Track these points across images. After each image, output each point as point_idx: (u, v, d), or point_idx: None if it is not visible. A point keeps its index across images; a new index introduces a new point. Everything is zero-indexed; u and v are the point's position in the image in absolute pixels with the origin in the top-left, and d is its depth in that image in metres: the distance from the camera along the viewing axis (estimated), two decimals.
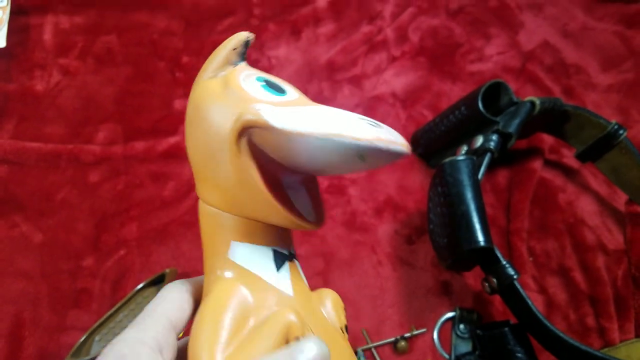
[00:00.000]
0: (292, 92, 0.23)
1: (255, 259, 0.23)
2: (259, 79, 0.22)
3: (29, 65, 0.59)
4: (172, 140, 0.54)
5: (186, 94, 0.57)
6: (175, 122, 0.56)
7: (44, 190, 0.52)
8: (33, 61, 0.59)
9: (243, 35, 0.23)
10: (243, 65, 0.23)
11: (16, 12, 0.61)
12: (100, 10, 0.63)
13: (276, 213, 0.21)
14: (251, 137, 0.20)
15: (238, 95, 0.21)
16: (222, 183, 0.22)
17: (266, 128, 0.19)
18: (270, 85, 0.22)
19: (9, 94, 0.57)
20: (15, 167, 0.53)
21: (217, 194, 0.22)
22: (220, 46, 0.23)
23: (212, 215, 0.23)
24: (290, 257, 0.24)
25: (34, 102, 0.57)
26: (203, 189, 0.23)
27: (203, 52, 0.60)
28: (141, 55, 0.60)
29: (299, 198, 0.24)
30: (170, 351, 0.21)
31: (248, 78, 0.22)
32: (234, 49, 0.23)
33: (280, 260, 0.23)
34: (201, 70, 0.23)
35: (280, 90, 0.22)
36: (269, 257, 0.23)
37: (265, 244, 0.23)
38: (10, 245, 0.50)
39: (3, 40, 0.58)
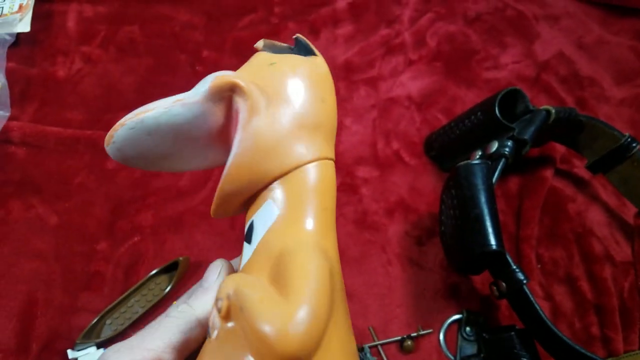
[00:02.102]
0: None
1: None
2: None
3: (52, 51, 0.60)
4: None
5: None
6: None
7: (61, 174, 0.53)
8: (56, 47, 0.60)
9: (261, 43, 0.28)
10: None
11: None
12: (123, 0, 0.64)
13: None
14: None
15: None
16: None
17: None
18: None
19: (31, 78, 0.58)
20: (34, 150, 0.54)
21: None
22: None
23: None
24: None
25: (56, 88, 0.58)
26: None
27: (223, 47, 0.61)
28: (162, 47, 0.61)
29: None
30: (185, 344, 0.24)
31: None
32: (268, 47, 0.27)
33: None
34: None
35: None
36: None
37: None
38: (25, 226, 0.50)
39: (27, 25, 0.59)
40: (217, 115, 0.24)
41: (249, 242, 0.24)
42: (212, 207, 0.25)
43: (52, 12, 0.62)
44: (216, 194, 0.25)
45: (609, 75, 0.62)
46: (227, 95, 0.23)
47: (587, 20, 0.66)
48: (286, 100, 0.24)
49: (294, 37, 0.28)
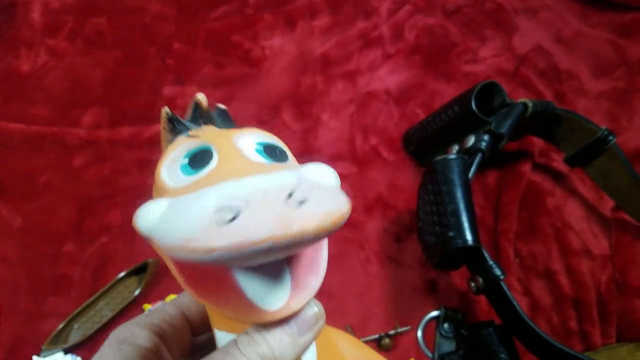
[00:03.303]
0: (213, 162, 0.19)
1: None
2: (186, 155, 0.19)
3: (16, 43, 0.58)
4: (159, 127, 0.53)
5: (176, 81, 0.57)
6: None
7: (26, 173, 0.51)
8: (20, 40, 0.58)
9: (163, 113, 0.21)
10: (178, 140, 0.20)
11: None
12: None
13: (210, 307, 0.18)
14: None
15: (158, 189, 0.19)
16: None
17: (141, 234, 0.17)
18: (192, 161, 0.19)
19: None
20: None
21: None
22: None
23: None
24: None
25: (20, 82, 0.55)
26: None
27: (195, 40, 0.59)
28: (132, 39, 0.59)
29: (262, 280, 0.19)
30: (175, 334, 0.22)
31: (175, 160, 0.19)
32: (164, 129, 0.21)
33: None
34: None
35: (203, 163, 0.18)
36: None
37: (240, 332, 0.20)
38: None
39: None
40: None
41: None
42: (300, 305, 0.19)
43: (15, 3, 0.60)
44: (312, 292, 0.19)
45: (587, 69, 0.62)
46: None
47: (565, 14, 0.66)
48: None
49: (220, 107, 0.23)
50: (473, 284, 0.40)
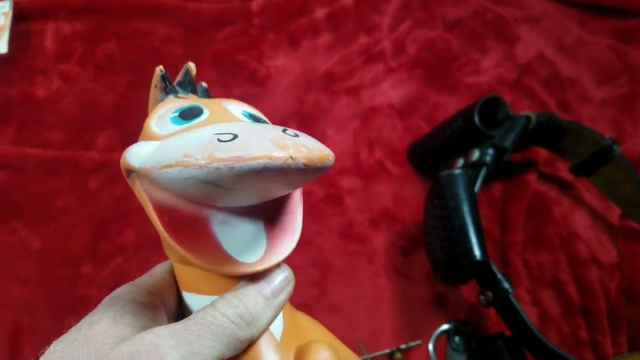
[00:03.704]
0: (206, 112, 0.20)
1: None
2: (176, 110, 0.21)
3: (31, 71, 0.59)
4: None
5: None
6: None
7: (43, 196, 0.52)
8: (34, 67, 0.60)
9: (157, 71, 0.22)
10: (168, 99, 0.22)
11: (18, 17, 0.61)
12: (101, 16, 0.63)
13: (186, 255, 0.19)
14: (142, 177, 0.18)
15: (146, 136, 0.20)
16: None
17: (132, 169, 0.18)
18: (183, 114, 0.20)
19: (10, 99, 0.57)
20: (15, 173, 0.53)
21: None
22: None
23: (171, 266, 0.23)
24: None
25: (35, 108, 0.57)
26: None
27: (203, 60, 0.61)
28: (141, 62, 0.61)
29: (238, 234, 0.20)
30: (172, 296, 0.23)
31: (165, 114, 0.21)
32: (155, 86, 0.22)
33: None
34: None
35: (193, 116, 0.20)
36: None
37: (210, 293, 0.21)
38: (8, 251, 0.50)
39: (5, 47, 0.58)
40: None
41: None
42: (272, 263, 0.20)
43: (29, 32, 0.62)
44: (286, 252, 0.21)
45: (590, 76, 0.62)
46: None
47: (566, 21, 0.67)
48: None
49: (204, 85, 0.27)
50: (482, 298, 0.41)
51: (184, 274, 0.22)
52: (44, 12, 0.62)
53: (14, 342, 0.45)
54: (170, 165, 0.16)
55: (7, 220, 0.51)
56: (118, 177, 0.53)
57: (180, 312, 0.23)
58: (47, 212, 0.52)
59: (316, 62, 0.61)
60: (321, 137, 0.56)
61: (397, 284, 0.48)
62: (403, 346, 0.44)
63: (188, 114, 0.20)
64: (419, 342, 0.45)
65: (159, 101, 0.22)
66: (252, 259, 0.20)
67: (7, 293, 0.48)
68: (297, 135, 0.17)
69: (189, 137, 0.17)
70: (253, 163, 0.15)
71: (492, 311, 0.46)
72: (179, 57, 0.61)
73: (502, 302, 0.39)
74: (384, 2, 0.66)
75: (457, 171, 0.42)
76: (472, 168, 0.45)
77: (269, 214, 0.21)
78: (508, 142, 0.45)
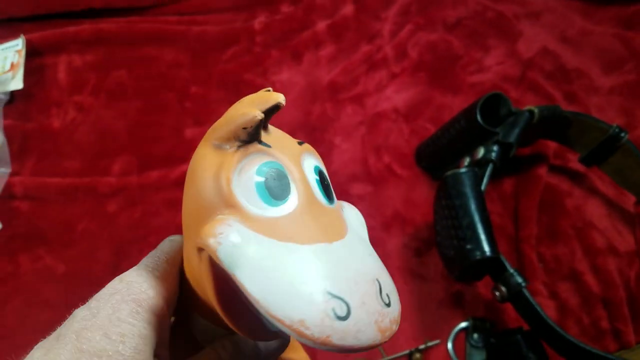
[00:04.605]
0: (293, 199, 0.19)
1: None
2: (259, 172, 0.18)
3: (46, 103, 0.62)
4: (184, 167, 0.56)
5: (196, 122, 0.60)
6: (186, 149, 0.58)
7: (65, 223, 0.54)
8: (50, 99, 0.62)
9: (256, 117, 0.18)
10: (251, 147, 0.18)
11: (31, 53, 0.64)
12: (110, 47, 0.66)
13: (228, 323, 0.19)
14: None
15: (221, 192, 0.18)
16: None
17: (214, 258, 0.17)
18: (272, 192, 0.18)
19: (28, 132, 0.60)
20: (36, 202, 0.55)
21: (187, 263, 0.21)
22: (233, 114, 0.18)
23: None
24: None
25: (52, 139, 0.59)
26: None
27: (210, 82, 0.62)
28: (151, 88, 0.63)
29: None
30: (168, 279, 0.22)
31: (247, 169, 0.18)
32: (244, 128, 0.18)
33: None
34: (211, 129, 0.19)
35: (278, 197, 0.18)
36: None
37: (221, 325, 0.21)
38: (35, 277, 0.52)
39: (20, 82, 0.61)
40: None
41: None
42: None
43: (43, 66, 0.64)
44: None
45: (596, 66, 0.62)
46: None
47: (568, 13, 0.67)
48: None
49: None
50: (497, 293, 0.41)
51: (206, 308, 0.21)
52: (56, 46, 0.65)
53: None
54: (285, 323, 0.15)
55: (32, 248, 0.53)
56: (136, 200, 0.55)
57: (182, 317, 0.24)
58: (70, 237, 0.53)
59: (320, 74, 0.62)
60: (329, 146, 0.57)
61: (412, 286, 0.48)
62: (422, 346, 0.44)
63: (278, 193, 0.18)
64: (437, 341, 0.45)
65: (238, 140, 0.18)
66: (261, 334, 0.20)
67: (36, 318, 0.50)
68: (389, 304, 0.17)
69: (299, 288, 0.16)
70: (359, 350, 0.16)
71: (509, 306, 0.46)
72: (187, 79, 0.63)
73: (517, 297, 0.39)
74: (383, 9, 0.67)
75: (463, 170, 0.42)
76: (478, 166, 0.45)
77: None
78: (512, 138, 0.45)
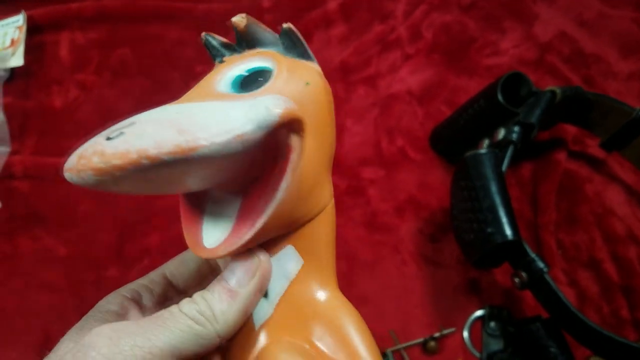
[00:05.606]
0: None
1: None
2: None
3: (47, 81, 0.60)
4: None
5: None
6: None
7: (65, 203, 0.52)
8: (50, 77, 0.60)
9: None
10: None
11: (32, 29, 0.62)
12: (113, 24, 0.64)
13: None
14: None
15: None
16: None
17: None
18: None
19: (28, 111, 0.58)
20: (36, 182, 0.54)
21: None
22: None
23: None
24: None
25: (53, 118, 0.58)
26: None
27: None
28: (155, 67, 0.61)
29: (222, 213, 0.20)
30: (152, 297, 0.24)
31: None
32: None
33: None
34: None
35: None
36: None
37: None
38: (35, 259, 0.50)
39: (21, 59, 0.59)
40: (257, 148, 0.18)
41: (265, 295, 0.21)
42: (226, 252, 0.19)
43: (44, 43, 0.62)
44: (240, 242, 0.19)
45: (614, 50, 0.60)
46: (281, 130, 0.18)
47: None
48: (323, 133, 0.21)
49: (285, 27, 0.22)
50: (517, 280, 0.39)
51: None
52: (58, 23, 0.63)
53: (44, 348, 0.45)
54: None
55: (30, 229, 0.51)
56: None
57: None
58: (70, 218, 0.52)
59: (331, 54, 0.60)
60: (340, 129, 0.55)
61: (426, 272, 0.47)
62: (437, 334, 0.43)
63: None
64: (452, 329, 0.43)
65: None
66: (213, 243, 0.19)
67: (36, 300, 0.48)
68: (110, 139, 0.16)
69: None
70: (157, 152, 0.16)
71: (527, 294, 0.45)
72: (192, 58, 0.61)
73: (537, 283, 0.38)
74: None
75: (483, 151, 0.41)
76: (498, 147, 0.43)
77: (246, 196, 0.20)
78: (534, 118, 0.43)
